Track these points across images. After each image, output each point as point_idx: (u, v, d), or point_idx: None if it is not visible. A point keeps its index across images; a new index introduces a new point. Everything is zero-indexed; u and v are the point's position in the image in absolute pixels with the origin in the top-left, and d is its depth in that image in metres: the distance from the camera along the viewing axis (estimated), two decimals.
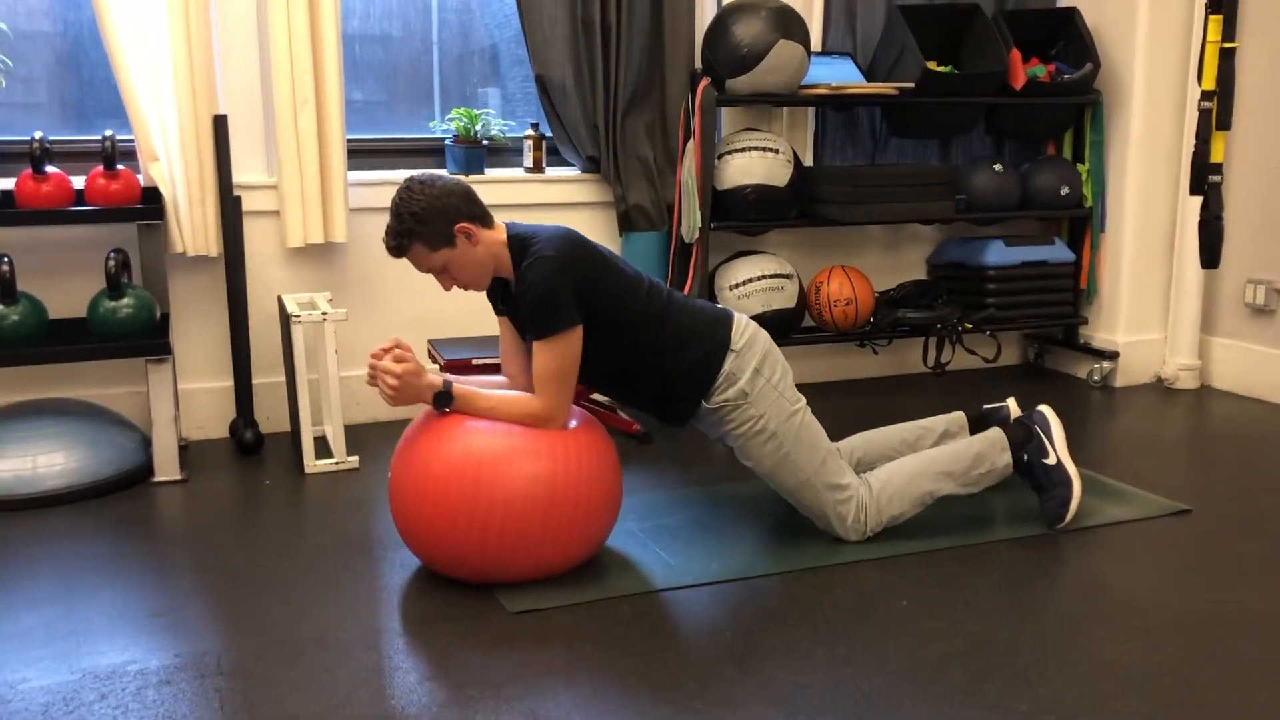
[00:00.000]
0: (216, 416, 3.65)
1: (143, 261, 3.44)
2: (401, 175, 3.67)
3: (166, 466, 3.22)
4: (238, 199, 3.42)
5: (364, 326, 3.78)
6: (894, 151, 4.39)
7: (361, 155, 3.81)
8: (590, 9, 3.77)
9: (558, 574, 2.49)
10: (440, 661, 2.14)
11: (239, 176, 3.53)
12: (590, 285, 2.45)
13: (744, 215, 3.88)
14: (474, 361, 3.30)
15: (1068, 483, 2.78)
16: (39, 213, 3.16)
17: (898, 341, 4.45)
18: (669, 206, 3.97)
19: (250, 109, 3.55)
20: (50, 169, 3.21)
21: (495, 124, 3.89)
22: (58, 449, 3.08)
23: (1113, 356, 4.32)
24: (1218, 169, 3.33)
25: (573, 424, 2.49)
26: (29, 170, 3.17)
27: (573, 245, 2.45)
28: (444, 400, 2.43)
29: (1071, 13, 4.25)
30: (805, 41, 3.76)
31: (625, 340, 2.54)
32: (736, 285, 3.87)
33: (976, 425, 3.02)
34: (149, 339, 3.17)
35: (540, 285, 2.39)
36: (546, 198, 3.92)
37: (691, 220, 3.84)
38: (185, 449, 3.50)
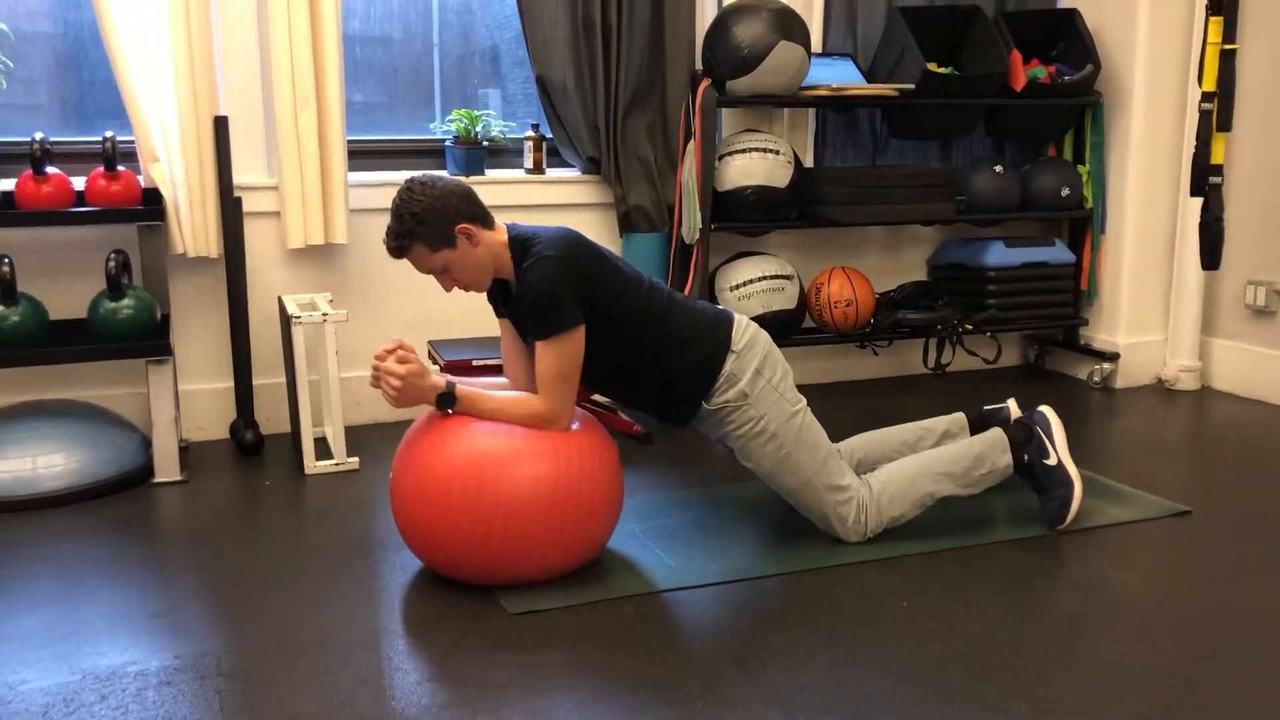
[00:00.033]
0: (217, 417, 3.65)
1: (143, 262, 3.44)
2: (402, 176, 3.69)
3: (167, 467, 3.22)
4: (238, 200, 3.42)
5: (364, 328, 3.78)
6: (894, 153, 4.39)
7: (362, 156, 3.81)
8: (591, 10, 3.78)
9: (559, 575, 2.49)
10: (441, 662, 2.14)
11: (239, 177, 3.54)
12: (590, 285, 2.45)
13: (744, 216, 3.88)
14: (474, 362, 3.30)
15: (1069, 483, 2.78)
16: (40, 214, 3.16)
17: (898, 343, 4.45)
18: (669, 207, 3.97)
19: (251, 110, 3.55)
20: (51, 170, 3.21)
21: (496, 125, 3.89)
22: (58, 450, 3.08)
23: (1113, 358, 4.32)
24: (1218, 170, 3.33)
25: (574, 426, 2.49)
26: (29, 171, 3.17)
27: (573, 245, 2.45)
28: (447, 401, 2.43)
29: (1072, 14, 4.25)
30: (806, 43, 3.76)
31: (624, 339, 2.54)
32: (737, 286, 3.87)
33: (977, 426, 3.02)
34: (149, 340, 3.17)
35: (541, 285, 2.39)
36: (547, 199, 3.92)
37: (692, 221, 3.84)
38: (185, 450, 3.50)
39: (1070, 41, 4.28)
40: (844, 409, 3.98)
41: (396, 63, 3.95)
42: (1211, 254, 3.40)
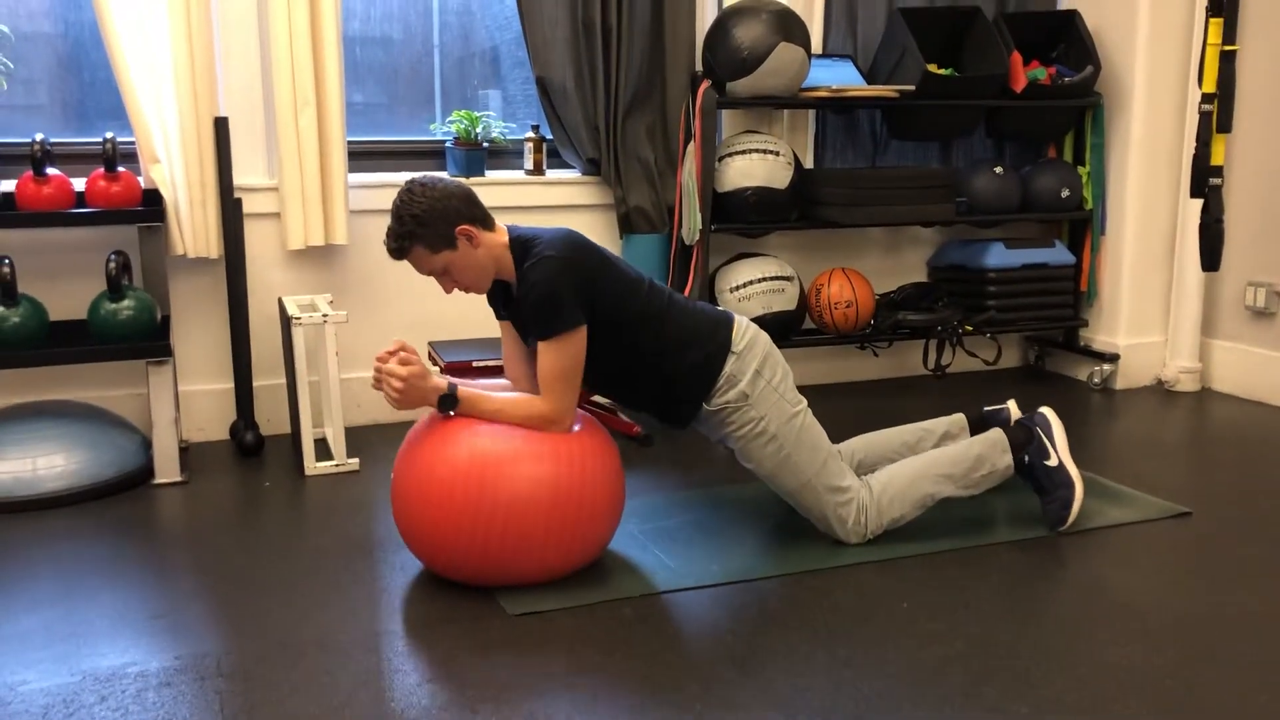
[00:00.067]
0: (217, 418, 3.65)
1: (143, 263, 3.45)
2: (402, 177, 3.69)
3: (167, 468, 3.22)
4: (238, 201, 3.42)
5: (364, 329, 3.78)
6: (894, 154, 4.39)
7: (362, 157, 3.82)
8: (591, 11, 3.78)
9: (560, 577, 2.49)
10: (441, 664, 2.14)
11: (239, 178, 3.54)
12: (592, 286, 2.45)
13: (744, 217, 3.88)
14: (475, 364, 3.30)
15: (1069, 485, 2.78)
16: (40, 215, 3.16)
17: (898, 344, 4.45)
18: (669, 209, 3.97)
19: (251, 111, 3.55)
20: (51, 171, 3.21)
21: (496, 126, 3.89)
22: (58, 451, 3.08)
23: (1113, 359, 4.32)
24: (1218, 172, 3.33)
25: (575, 427, 2.49)
26: (30, 172, 3.17)
27: (574, 246, 2.45)
28: (449, 403, 2.42)
29: (1072, 15, 4.26)
30: (806, 44, 3.76)
31: (625, 340, 2.54)
32: (737, 287, 3.87)
33: (977, 427, 3.02)
34: (149, 341, 3.17)
35: (543, 286, 2.39)
36: (547, 200, 3.92)
37: (692, 222, 3.84)
38: (186, 451, 3.50)
39: (1070, 43, 4.28)
40: (844, 410, 3.98)
41: (397, 64, 3.95)
42: (1211, 255, 3.40)
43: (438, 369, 3.36)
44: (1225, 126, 3.31)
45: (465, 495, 2.33)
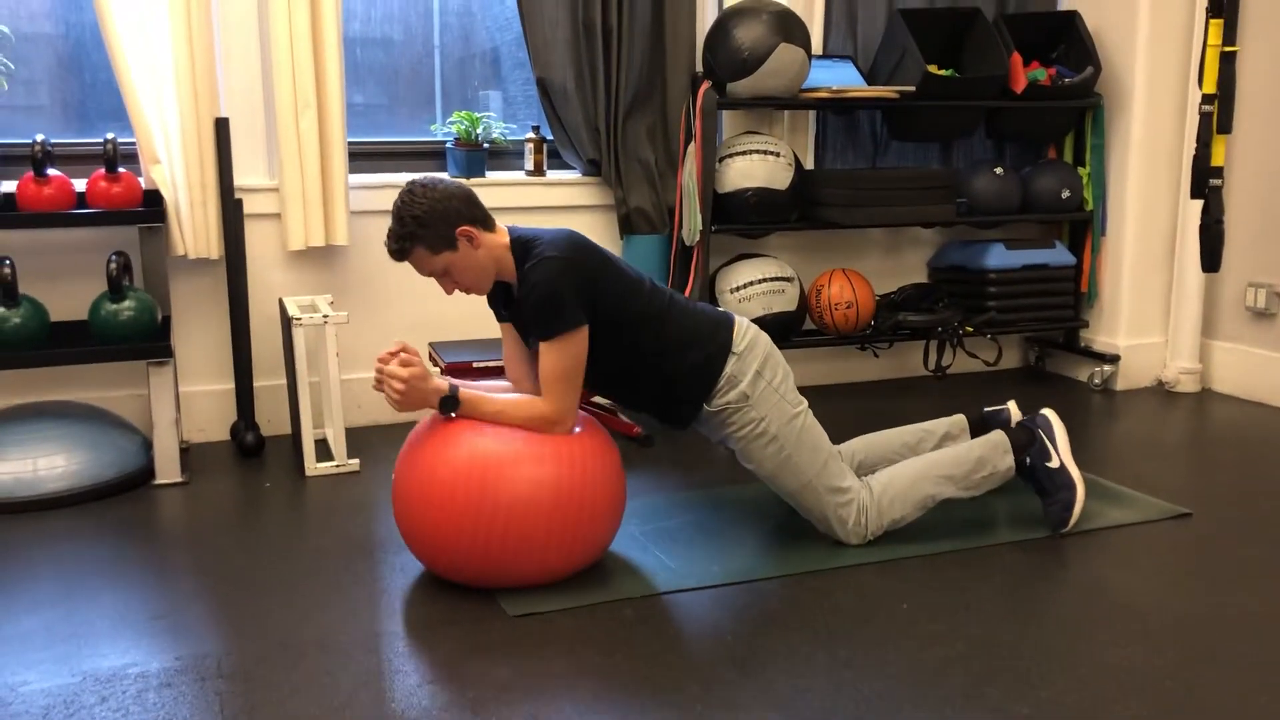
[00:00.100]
0: (218, 419, 3.65)
1: (144, 264, 3.45)
2: (403, 178, 3.69)
3: (167, 469, 3.22)
4: (239, 202, 3.42)
5: (365, 329, 3.78)
6: (895, 155, 4.39)
7: (363, 158, 3.82)
8: (591, 12, 3.78)
9: (561, 579, 2.48)
10: (441, 665, 2.14)
11: (240, 179, 3.54)
12: (594, 286, 2.45)
13: (745, 218, 3.88)
14: (475, 364, 3.30)
15: (1071, 486, 2.78)
16: (41, 215, 3.16)
17: (898, 345, 4.45)
18: (670, 209, 3.97)
19: (251, 112, 3.55)
20: (52, 172, 3.21)
21: (496, 127, 3.89)
22: (59, 451, 3.08)
23: (1113, 360, 4.32)
24: (1218, 173, 3.33)
25: (577, 429, 2.49)
26: (31, 173, 3.17)
27: (576, 247, 2.45)
28: (450, 405, 2.42)
29: (1072, 16, 4.26)
30: (806, 45, 3.76)
31: (625, 340, 2.54)
32: (737, 288, 3.87)
33: (977, 428, 3.03)
34: (150, 341, 3.17)
35: (545, 286, 2.39)
36: (547, 201, 3.92)
37: (692, 223, 3.85)
38: (186, 451, 3.50)
39: (1070, 44, 4.28)
40: (844, 411, 3.98)
41: (397, 65, 3.95)
42: (1212, 256, 3.40)
43: (438, 370, 3.36)
44: (1225, 127, 3.31)
45: (466, 497, 2.33)
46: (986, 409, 3.09)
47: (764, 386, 2.62)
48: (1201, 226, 3.41)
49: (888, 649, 2.20)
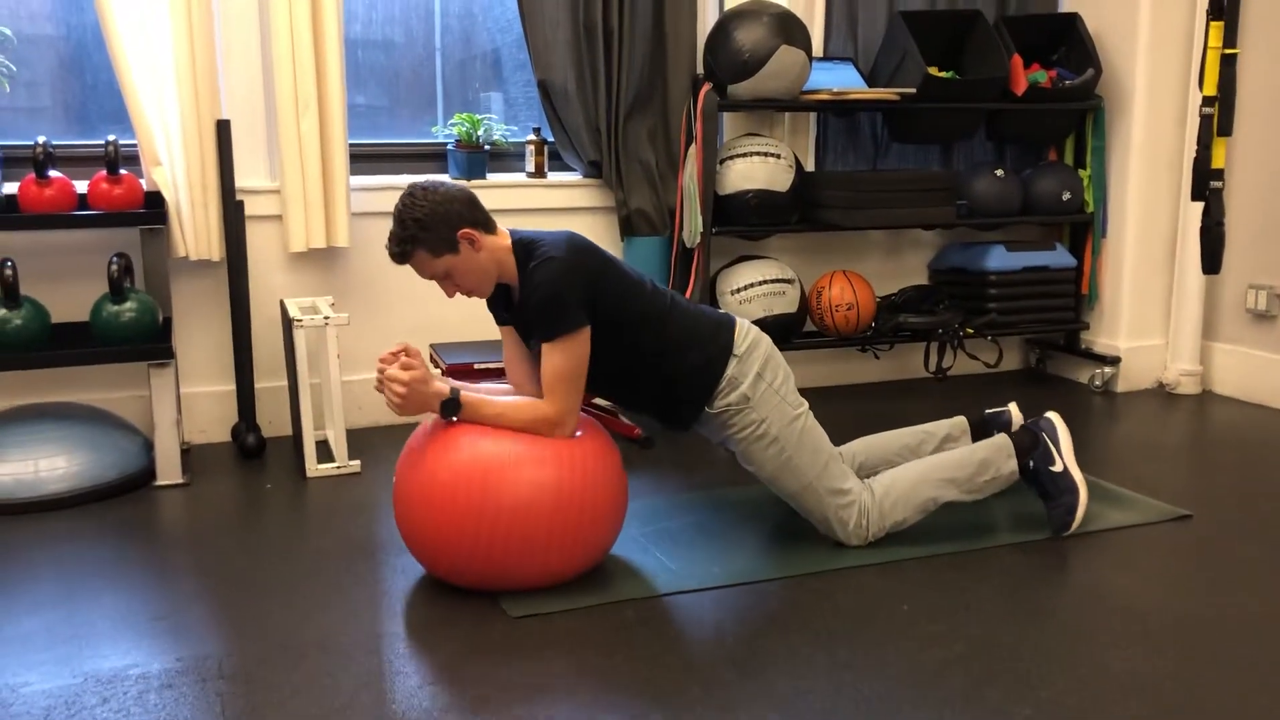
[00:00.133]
0: (219, 420, 3.65)
1: (145, 266, 3.45)
2: (404, 180, 3.70)
3: (168, 470, 3.22)
4: (240, 203, 3.43)
5: (366, 331, 3.79)
6: (895, 157, 4.39)
7: (364, 160, 3.82)
8: (592, 14, 3.78)
9: (562, 582, 2.48)
10: (442, 666, 2.15)
11: (241, 181, 3.54)
12: (595, 288, 2.45)
13: (746, 220, 3.88)
14: (476, 366, 3.31)
15: (1074, 490, 2.78)
16: (42, 217, 3.17)
17: (899, 346, 4.45)
18: (671, 211, 3.97)
19: (253, 113, 3.56)
20: (53, 173, 3.21)
21: (497, 129, 3.89)
22: (60, 453, 3.09)
23: (1114, 362, 4.32)
24: (1219, 175, 3.33)
25: (578, 433, 2.49)
26: (32, 175, 3.18)
27: (578, 249, 2.46)
28: (451, 408, 2.42)
29: (1073, 18, 4.26)
30: (807, 47, 3.76)
31: (625, 341, 2.54)
32: (738, 290, 3.88)
33: (979, 430, 3.03)
34: (151, 343, 3.18)
35: (548, 286, 2.39)
36: (548, 202, 3.93)
37: (693, 225, 3.85)
38: (187, 453, 3.50)
39: (1071, 46, 4.28)
40: (845, 413, 3.99)
41: (398, 66, 3.96)
42: (1212, 258, 3.40)
43: (439, 371, 3.36)
44: (1226, 130, 3.31)
45: (468, 500, 2.33)
46: (988, 411, 3.09)
47: (765, 388, 2.62)
48: (1202, 229, 3.41)
49: (888, 650, 2.21)
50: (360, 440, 3.65)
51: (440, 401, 2.41)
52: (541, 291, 2.40)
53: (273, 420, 3.70)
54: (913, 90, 3.94)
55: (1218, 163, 3.31)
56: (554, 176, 3.97)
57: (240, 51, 3.51)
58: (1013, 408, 3.06)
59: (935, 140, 4.24)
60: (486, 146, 3.84)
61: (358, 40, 3.88)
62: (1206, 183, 3.35)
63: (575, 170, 4.01)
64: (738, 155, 3.85)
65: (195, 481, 3.26)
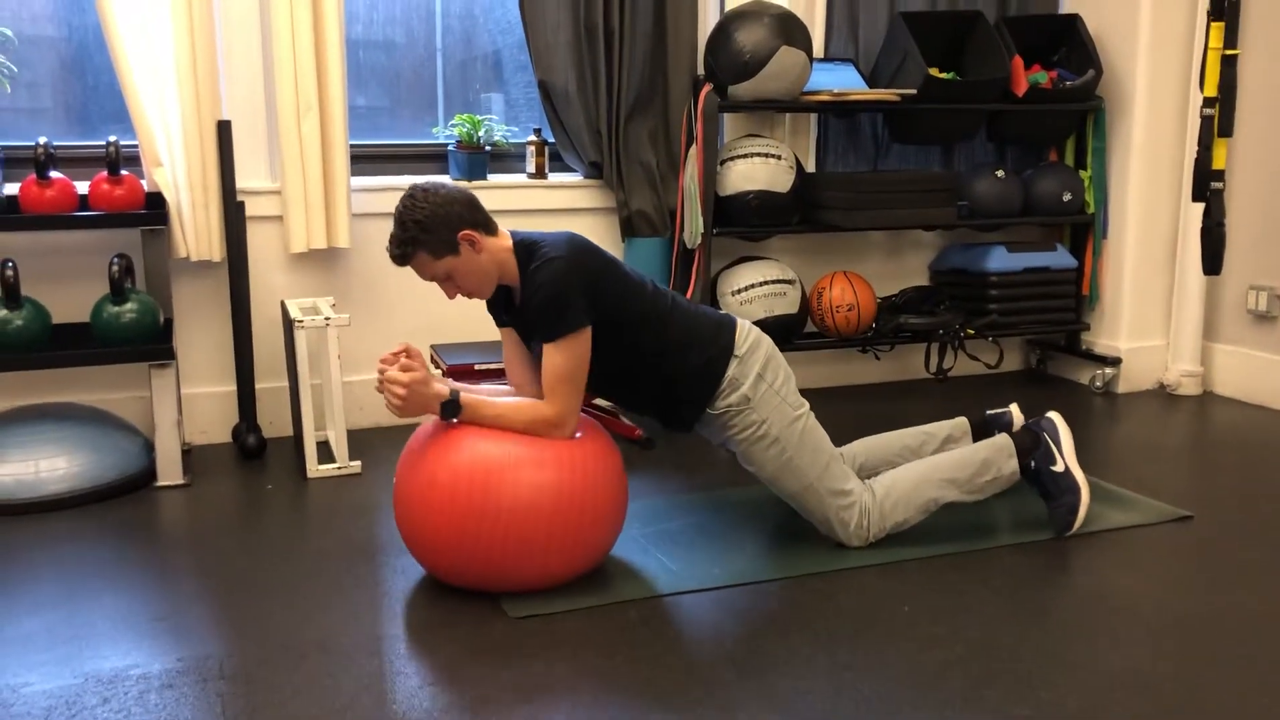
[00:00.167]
0: (219, 421, 3.65)
1: (146, 266, 3.45)
2: (404, 181, 3.70)
3: (169, 471, 3.22)
4: (241, 204, 3.43)
5: (367, 332, 3.79)
6: (896, 158, 4.39)
7: (364, 161, 3.82)
8: (593, 15, 3.78)
9: (562, 583, 2.48)
10: (443, 667, 2.15)
11: (242, 181, 3.54)
12: (595, 288, 2.45)
13: (746, 221, 3.88)
14: (477, 366, 3.31)
15: (1075, 490, 2.78)
16: (43, 218, 3.17)
17: (900, 347, 4.45)
18: (671, 212, 3.97)
19: (254, 114, 3.56)
20: (54, 174, 3.22)
21: (498, 130, 3.89)
22: (60, 453, 3.09)
23: (1115, 363, 4.32)
24: (1220, 175, 3.33)
25: (578, 434, 2.48)
26: (33, 175, 3.18)
27: (580, 249, 2.46)
28: (451, 410, 2.41)
29: (1074, 19, 4.26)
30: (807, 48, 3.76)
31: (625, 340, 2.54)
32: (739, 291, 3.88)
33: (979, 431, 3.03)
34: (152, 344, 3.18)
35: (550, 286, 2.39)
36: (549, 203, 3.93)
37: (694, 226, 3.85)
38: (188, 453, 3.50)
39: (1072, 47, 4.28)
40: (845, 414, 3.99)
41: (399, 67, 3.96)
42: (1213, 259, 3.40)
43: (440, 372, 3.36)
44: (1227, 130, 3.31)
45: (468, 501, 2.33)
46: (989, 411, 3.09)
47: (766, 389, 2.62)
48: (1203, 229, 3.41)
49: (888, 651, 2.21)
50: (361, 441, 3.65)
51: (440, 403, 2.41)
52: (544, 292, 2.40)
53: (273, 421, 3.70)
54: (913, 91, 3.94)
55: (1218, 164, 3.31)
56: (555, 177, 3.97)
57: (241, 52, 3.51)
58: (1014, 409, 3.06)
59: (936, 141, 4.24)
60: (487, 147, 3.85)
61: (359, 41, 3.88)
62: (1207, 183, 3.35)
63: (576, 171, 4.01)
64: (738, 156, 3.85)
65: (196, 482, 3.26)
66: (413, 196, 2.43)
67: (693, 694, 2.04)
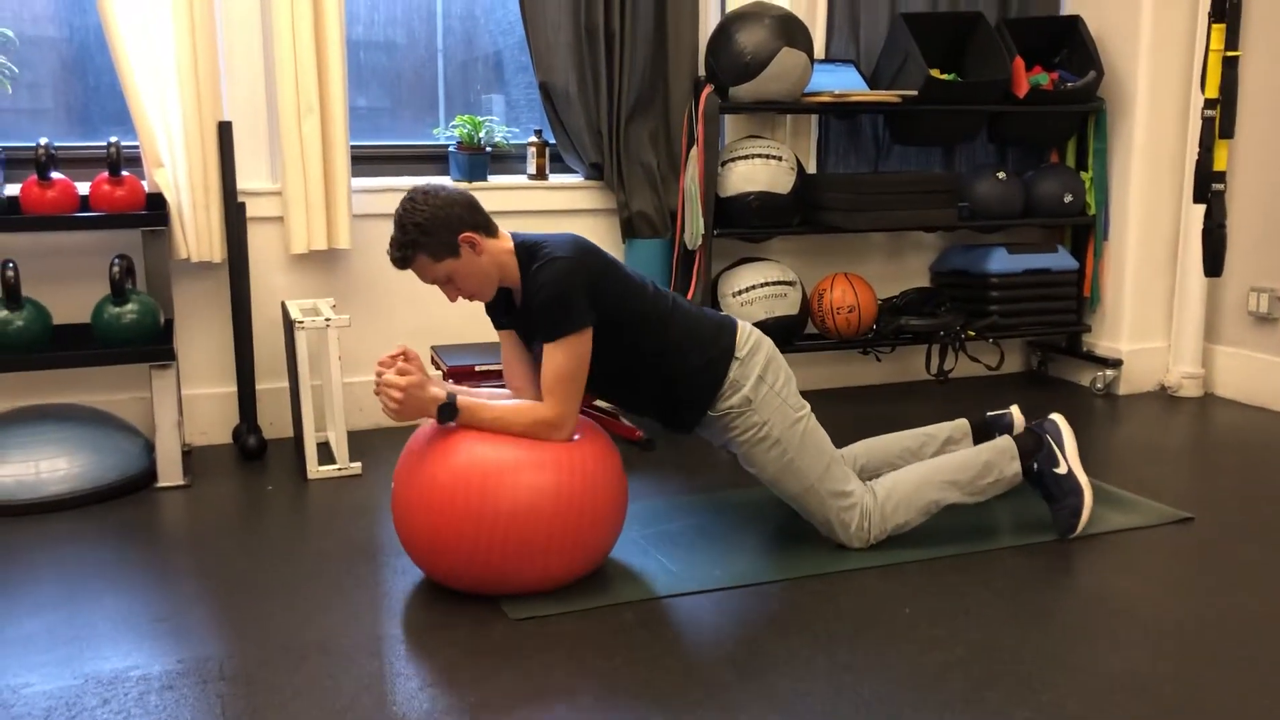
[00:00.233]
0: (220, 422, 3.65)
1: (147, 267, 3.45)
2: (405, 182, 3.70)
3: (170, 472, 3.22)
4: (242, 205, 3.43)
5: (367, 333, 3.79)
6: (897, 159, 4.39)
7: (365, 162, 3.82)
8: (594, 16, 3.78)
9: (562, 585, 2.48)
10: (443, 668, 2.15)
11: (243, 182, 3.54)
12: (597, 288, 2.45)
13: (747, 222, 3.88)
14: (477, 368, 3.31)
15: (1078, 492, 2.77)
16: (44, 218, 3.17)
17: (901, 349, 4.45)
18: (672, 213, 3.97)
19: (255, 115, 3.56)
20: (55, 175, 3.22)
21: (499, 131, 3.89)
22: (61, 454, 3.09)
23: (1116, 364, 4.32)
24: (1221, 177, 3.33)
25: (576, 436, 2.48)
26: (34, 176, 3.18)
27: (582, 250, 2.46)
28: (448, 414, 2.41)
29: (1075, 21, 4.26)
30: (808, 49, 3.76)
31: (625, 340, 2.54)
32: (739, 292, 3.88)
33: (980, 432, 3.02)
34: (153, 345, 3.18)
35: (552, 287, 2.39)
36: (550, 205, 3.93)
37: (695, 227, 3.85)
38: (189, 454, 3.50)
39: (1073, 48, 4.28)
40: (846, 415, 3.98)
41: (400, 68, 3.96)
42: (1214, 260, 3.40)
43: (440, 373, 3.36)
44: (1228, 132, 3.31)
45: (466, 504, 2.33)
46: (989, 413, 3.09)
47: (767, 391, 2.62)
48: (1204, 231, 3.41)
49: (889, 653, 2.20)
50: (361, 442, 3.65)
51: (437, 407, 2.40)
52: (546, 291, 2.39)
53: (274, 422, 3.70)
54: (914, 92, 3.94)
55: (1219, 165, 3.31)
56: (555, 179, 3.98)
57: (242, 53, 3.51)
58: (1014, 410, 3.06)
59: (937, 142, 4.24)
60: (488, 148, 3.85)
61: (359, 42, 3.88)
62: (1208, 185, 3.35)
63: (577, 172, 4.01)
64: (739, 157, 3.85)
65: (196, 483, 3.26)
66: (412, 199, 2.43)
67: (693, 696, 2.04)
